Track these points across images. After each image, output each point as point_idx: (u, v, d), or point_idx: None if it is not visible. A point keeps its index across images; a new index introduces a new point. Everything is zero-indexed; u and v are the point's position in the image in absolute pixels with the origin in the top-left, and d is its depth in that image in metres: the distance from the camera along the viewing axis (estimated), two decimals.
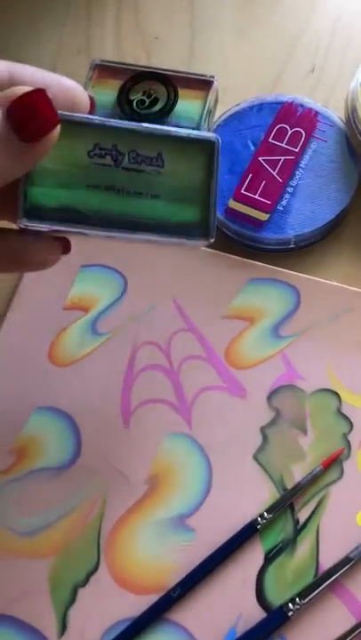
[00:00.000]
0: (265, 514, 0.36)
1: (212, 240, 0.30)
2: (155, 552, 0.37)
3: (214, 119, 0.45)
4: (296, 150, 0.42)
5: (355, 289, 0.41)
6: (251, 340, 0.41)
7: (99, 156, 0.29)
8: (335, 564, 0.35)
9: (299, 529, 0.37)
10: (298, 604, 0.34)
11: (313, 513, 0.37)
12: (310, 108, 0.44)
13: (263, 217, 0.41)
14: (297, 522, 0.37)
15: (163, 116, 0.44)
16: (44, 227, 0.29)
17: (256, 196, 0.42)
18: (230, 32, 0.50)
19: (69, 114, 0.28)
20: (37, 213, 0.28)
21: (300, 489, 0.37)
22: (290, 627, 0.35)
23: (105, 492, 0.38)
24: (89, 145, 0.29)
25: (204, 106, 0.44)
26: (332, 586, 0.35)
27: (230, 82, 0.48)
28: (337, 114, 0.44)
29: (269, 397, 0.39)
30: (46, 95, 0.26)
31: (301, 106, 0.44)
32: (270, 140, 0.43)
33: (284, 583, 0.36)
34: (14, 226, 0.30)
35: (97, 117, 0.29)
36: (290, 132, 0.43)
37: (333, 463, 0.37)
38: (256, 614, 0.35)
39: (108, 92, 0.45)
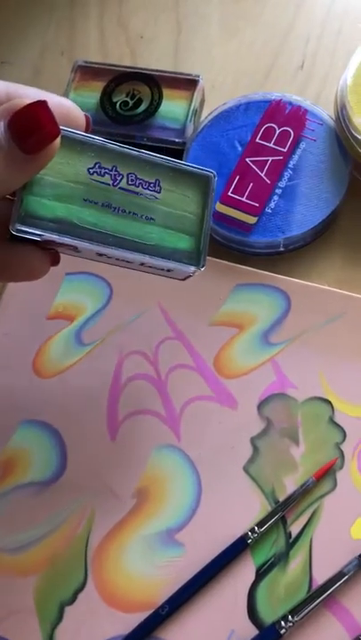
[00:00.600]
0: (256, 528, 0.35)
1: (202, 269, 0.31)
2: (143, 568, 0.36)
3: (201, 119, 0.44)
4: (284, 150, 0.41)
5: (347, 293, 0.40)
6: (240, 348, 0.39)
7: (98, 174, 0.30)
8: (329, 580, 0.34)
9: (291, 543, 0.36)
10: (290, 622, 0.33)
11: (306, 526, 0.36)
12: (299, 105, 0.42)
13: (251, 220, 0.40)
14: (289, 535, 0.36)
15: (147, 117, 0.43)
16: (36, 235, 0.29)
17: (244, 199, 0.40)
18: (217, 28, 0.48)
19: (73, 131, 0.29)
20: (31, 221, 0.28)
21: (292, 502, 0.36)
22: None
23: (92, 506, 0.37)
24: (90, 162, 0.30)
25: (190, 106, 0.43)
26: (326, 601, 0.34)
27: (218, 79, 0.47)
28: (327, 111, 0.42)
29: (260, 407, 0.38)
30: (47, 107, 0.26)
31: (290, 104, 0.42)
32: (258, 140, 0.42)
33: (276, 599, 0.35)
34: None
35: (99, 138, 0.30)
36: (278, 132, 0.42)
37: (326, 474, 0.36)
38: (248, 631, 0.34)
39: (90, 95, 0.44)
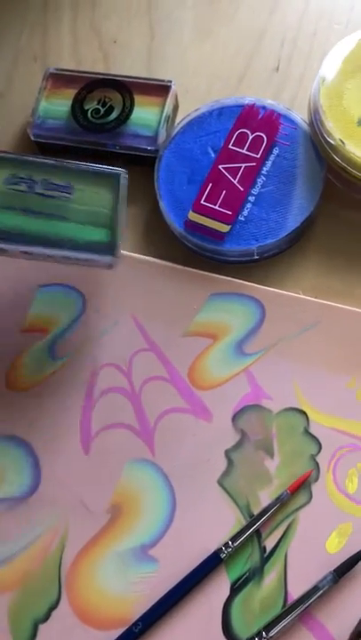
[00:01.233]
0: (230, 542, 0.35)
1: (117, 257, 0.35)
2: (117, 585, 0.35)
3: (175, 124, 0.43)
4: (257, 156, 0.40)
5: (321, 301, 0.39)
6: (214, 359, 0.39)
7: (14, 184, 0.34)
8: (303, 595, 0.34)
9: (266, 557, 0.35)
10: (265, 638, 0.33)
11: (281, 540, 0.35)
12: (272, 110, 0.42)
13: (224, 228, 0.39)
14: (264, 550, 0.35)
15: (119, 125, 0.42)
16: None
17: (216, 207, 0.40)
18: (191, 31, 0.48)
19: None
20: None
21: (266, 515, 0.35)
22: None
23: (65, 522, 0.37)
24: (6, 174, 0.34)
25: (162, 113, 0.42)
26: (302, 617, 0.34)
27: (192, 83, 0.46)
28: (301, 115, 0.41)
29: (234, 419, 0.38)
30: None
31: (263, 108, 0.42)
32: (230, 146, 0.41)
33: (251, 614, 0.34)
34: None
35: (12, 153, 0.37)
36: (251, 137, 0.41)
37: (302, 487, 0.36)
38: None
39: (62, 103, 0.44)
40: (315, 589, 0.34)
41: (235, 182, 0.40)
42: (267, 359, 0.38)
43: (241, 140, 0.41)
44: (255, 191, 0.40)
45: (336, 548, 0.35)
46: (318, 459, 0.36)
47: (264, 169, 0.40)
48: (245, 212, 0.40)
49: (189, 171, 0.41)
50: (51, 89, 0.44)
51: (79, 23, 0.49)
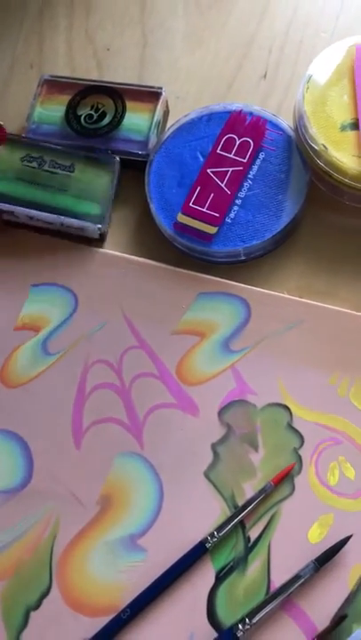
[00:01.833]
0: (215, 532, 0.36)
1: (104, 227, 0.42)
2: (107, 573, 0.37)
3: (165, 129, 0.45)
4: (244, 161, 0.42)
5: (305, 300, 0.40)
6: (202, 356, 0.40)
7: (28, 162, 0.43)
8: (285, 583, 0.35)
9: (250, 547, 0.36)
10: (248, 624, 0.34)
11: (264, 530, 0.37)
12: (259, 116, 0.43)
13: (212, 230, 0.41)
14: (248, 540, 0.36)
15: (111, 130, 0.44)
16: None
17: (205, 209, 0.41)
18: (182, 39, 0.49)
19: (13, 134, 0.45)
20: None
21: (250, 507, 0.36)
22: None
23: (57, 513, 0.38)
24: (22, 153, 0.44)
25: (153, 118, 0.44)
26: (284, 604, 0.35)
27: (183, 90, 0.48)
28: (287, 121, 0.43)
29: (220, 413, 0.39)
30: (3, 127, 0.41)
31: (250, 114, 0.43)
32: (218, 151, 0.42)
33: (235, 602, 0.36)
34: None
35: (29, 138, 0.44)
36: (238, 142, 0.42)
37: (285, 479, 0.37)
38: (208, 634, 0.35)
39: (56, 108, 0.45)
40: (296, 578, 0.35)
41: (222, 186, 0.42)
42: (252, 356, 0.40)
43: (229, 145, 0.42)
44: (242, 194, 0.41)
45: (318, 538, 0.36)
46: (301, 452, 0.38)
47: (251, 173, 0.42)
48: (232, 215, 0.41)
49: (179, 174, 0.43)
50: (45, 95, 0.46)
51: (74, 31, 0.50)
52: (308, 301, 0.40)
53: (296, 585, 0.35)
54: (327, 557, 0.35)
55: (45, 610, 0.36)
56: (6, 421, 0.40)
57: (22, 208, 0.42)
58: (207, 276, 0.42)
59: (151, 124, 0.44)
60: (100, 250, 0.43)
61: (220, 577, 0.36)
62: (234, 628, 0.34)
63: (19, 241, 0.44)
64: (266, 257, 0.42)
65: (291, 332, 0.40)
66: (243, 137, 0.42)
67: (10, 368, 0.41)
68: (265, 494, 0.37)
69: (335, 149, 0.39)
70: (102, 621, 0.36)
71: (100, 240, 0.43)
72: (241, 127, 0.43)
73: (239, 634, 0.34)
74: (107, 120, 0.44)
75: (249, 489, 0.37)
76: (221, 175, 0.42)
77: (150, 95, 0.44)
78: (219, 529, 0.36)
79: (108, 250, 0.43)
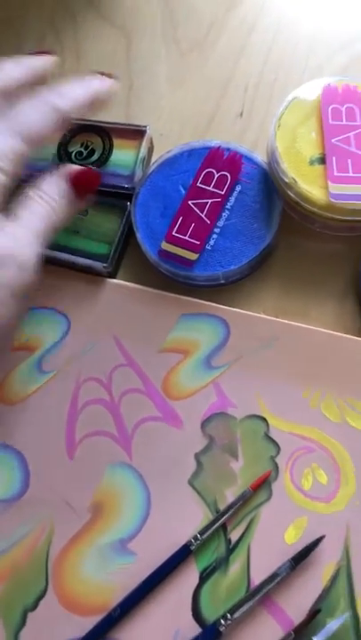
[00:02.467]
0: (198, 535, 0.39)
1: (110, 266, 0.45)
2: (99, 575, 0.39)
3: (150, 164, 0.48)
4: (222, 193, 0.46)
5: (281, 320, 0.44)
6: (185, 372, 0.43)
7: None
8: (264, 581, 0.38)
9: (231, 548, 0.39)
10: (230, 619, 0.37)
11: (244, 533, 0.40)
12: (236, 151, 0.47)
13: (193, 256, 0.44)
14: (229, 542, 0.39)
15: (99, 166, 0.47)
16: None
17: (186, 237, 0.45)
18: (165, 81, 0.53)
19: None
20: None
21: (231, 511, 0.39)
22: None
23: (52, 520, 0.41)
24: None
25: (138, 154, 0.48)
26: (263, 601, 0.38)
27: (166, 127, 0.51)
28: (261, 156, 0.47)
29: (203, 425, 0.42)
30: (98, 176, 0.43)
31: (228, 150, 0.47)
32: (198, 184, 0.46)
33: (218, 600, 0.38)
34: None
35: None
36: (216, 176, 0.46)
37: (262, 485, 0.40)
38: (192, 630, 0.38)
39: (49, 145, 0.49)
40: (274, 576, 0.38)
41: (202, 216, 0.45)
42: (232, 372, 0.43)
43: (208, 179, 0.46)
44: (220, 223, 0.45)
45: (293, 539, 0.39)
46: (277, 460, 0.41)
47: (228, 204, 0.46)
48: (212, 242, 0.45)
49: (162, 206, 0.46)
50: None
51: (64, 72, 0.54)
52: (283, 321, 0.44)
53: (274, 583, 0.38)
54: (302, 557, 0.38)
55: (42, 610, 0.39)
56: (5, 436, 0.43)
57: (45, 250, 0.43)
58: (190, 299, 0.45)
59: (137, 159, 0.47)
60: (92, 277, 0.46)
61: (204, 577, 0.39)
62: (217, 623, 0.37)
63: None
64: (244, 280, 0.46)
65: (267, 349, 0.43)
66: (221, 171, 0.46)
67: (8, 386, 0.44)
68: (244, 500, 0.40)
69: (304, 182, 0.43)
70: (93, 620, 0.38)
71: (109, 276, 0.47)
72: (219, 162, 0.46)
73: (221, 628, 0.37)
74: (95, 156, 0.48)
75: (230, 495, 0.40)
76: (201, 206, 0.45)
77: (135, 133, 0.48)
78: (202, 532, 0.39)
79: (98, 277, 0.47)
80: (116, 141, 0.48)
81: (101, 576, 0.39)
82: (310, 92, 0.46)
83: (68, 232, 0.46)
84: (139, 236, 0.46)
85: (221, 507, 0.40)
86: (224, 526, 0.40)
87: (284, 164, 0.44)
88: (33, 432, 0.43)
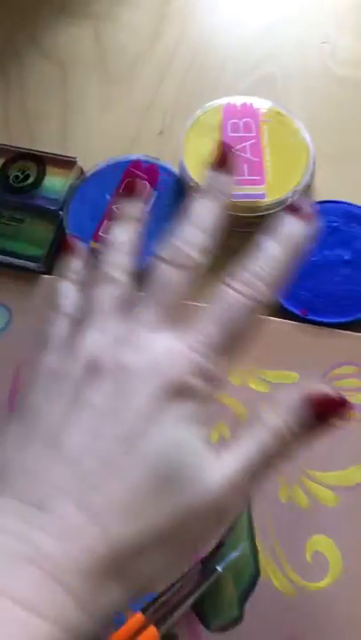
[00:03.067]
0: None
1: (42, 267, 0.52)
2: None
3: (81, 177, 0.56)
4: None
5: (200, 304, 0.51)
6: None
7: None
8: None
9: None
10: None
11: None
12: (153, 163, 0.54)
13: None
14: None
15: (33, 189, 0.55)
16: None
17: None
18: (96, 105, 0.61)
19: None
20: None
21: None
22: None
23: None
24: None
25: (67, 182, 0.55)
26: None
27: (97, 146, 0.59)
28: (174, 167, 0.54)
29: None
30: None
31: (146, 162, 0.55)
32: (121, 191, 0.53)
33: None
34: None
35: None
36: None
37: None
38: None
39: None
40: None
41: None
42: None
43: None
44: None
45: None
46: None
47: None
48: None
49: (91, 211, 0.54)
50: None
51: (9, 102, 0.62)
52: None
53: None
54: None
55: None
56: None
57: None
58: None
59: (65, 185, 0.55)
60: (31, 274, 0.54)
61: None
62: None
63: None
64: None
65: None
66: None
67: None
68: None
69: None
70: None
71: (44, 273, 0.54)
72: (139, 172, 0.54)
73: None
74: (30, 181, 0.55)
75: None
76: None
77: (67, 163, 0.56)
78: None
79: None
80: (49, 169, 0.56)
81: None
82: (215, 109, 0.54)
83: (7, 237, 0.53)
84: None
85: None
86: None
87: (189, 171, 0.51)
88: None
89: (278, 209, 0.50)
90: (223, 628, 0.42)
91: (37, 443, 0.29)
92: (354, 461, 0.44)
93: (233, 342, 0.31)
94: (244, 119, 0.53)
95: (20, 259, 0.53)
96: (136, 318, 0.32)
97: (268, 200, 0.50)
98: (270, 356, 0.48)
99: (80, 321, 0.33)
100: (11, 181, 0.55)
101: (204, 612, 0.42)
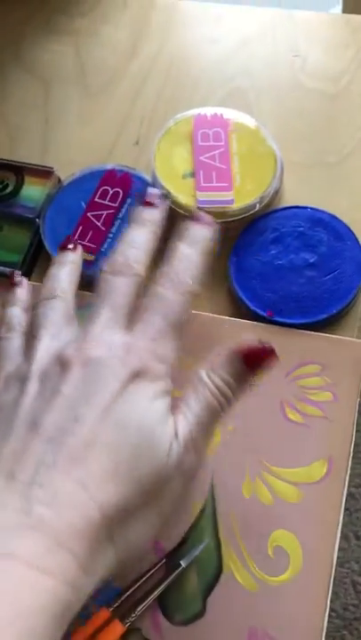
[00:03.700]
0: None
1: (20, 270, 0.54)
2: None
3: (58, 186, 0.58)
4: (115, 205, 0.55)
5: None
6: None
7: None
8: None
9: None
10: None
11: None
12: (127, 172, 0.56)
13: (90, 257, 0.53)
14: None
15: (10, 197, 0.57)
16: None
17: (85, 242, 0.54)
18: (76, 118, 0.63)
19: None
20: None
21: None
22: None
23: None
24: None
25: (44, 190, 0.57)
26: None
27: (76, 156, 0.61)
28: (147, 175, 0.56)
29: None
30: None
31: (120, 171, 0.56)
32: (96, 199, 0.55)
33: None
34: None
35: None
36: (111, 192, 0.55)
37: None
38: None
39: None
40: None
41: (99, 225, 0.54)
42: None
43: (104, 195, 0.55)
44: (113, 230, 0.54)
45: None
46: None
47: (120, 214, 0.55)
48: (106, 246, 0.54)
49: (67, 218, 0.55)
50: None
51: None
52: None
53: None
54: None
55: None
56: None
57: None
58: (85, 292, 0.53)
59: (44, 195, 0.57)
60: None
61: None
62: None
63: None
64: None
65: None
66: (114, 188, 0.55)
67: None
68: None
69: (178, 192, 0.52)
70: None
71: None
72: (113, 181, 0.56)
73: None
74: (9, 190, 0.57)
75: None
76: (98, 217, 0.55)
77: (44, 173, 0.58)
78: None
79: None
80: (27, 178, 0.58)
81: None
82: (186, 120, 0.56)
83: None
84: (47, 244, 0.55)
85: None
86: None
87: (160, 179, 0.53)
88: None
89: (246, 214, 0.52)
90: (186, 622, 0.43)
91: (18, 429, 0.33)
92: (317, 457, 0.45)
93: (174, 328, 0.37)
94: (214, 129, 0.55)
95: None
96: (89, 321, 0.38)
97: (236, 206, 0.52)
98: None
99: (32, 334, 0.39)
100: None
101: (167, 605, 0.43)
